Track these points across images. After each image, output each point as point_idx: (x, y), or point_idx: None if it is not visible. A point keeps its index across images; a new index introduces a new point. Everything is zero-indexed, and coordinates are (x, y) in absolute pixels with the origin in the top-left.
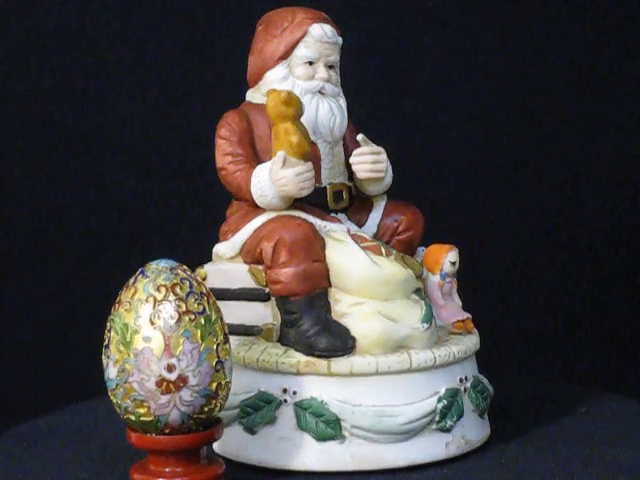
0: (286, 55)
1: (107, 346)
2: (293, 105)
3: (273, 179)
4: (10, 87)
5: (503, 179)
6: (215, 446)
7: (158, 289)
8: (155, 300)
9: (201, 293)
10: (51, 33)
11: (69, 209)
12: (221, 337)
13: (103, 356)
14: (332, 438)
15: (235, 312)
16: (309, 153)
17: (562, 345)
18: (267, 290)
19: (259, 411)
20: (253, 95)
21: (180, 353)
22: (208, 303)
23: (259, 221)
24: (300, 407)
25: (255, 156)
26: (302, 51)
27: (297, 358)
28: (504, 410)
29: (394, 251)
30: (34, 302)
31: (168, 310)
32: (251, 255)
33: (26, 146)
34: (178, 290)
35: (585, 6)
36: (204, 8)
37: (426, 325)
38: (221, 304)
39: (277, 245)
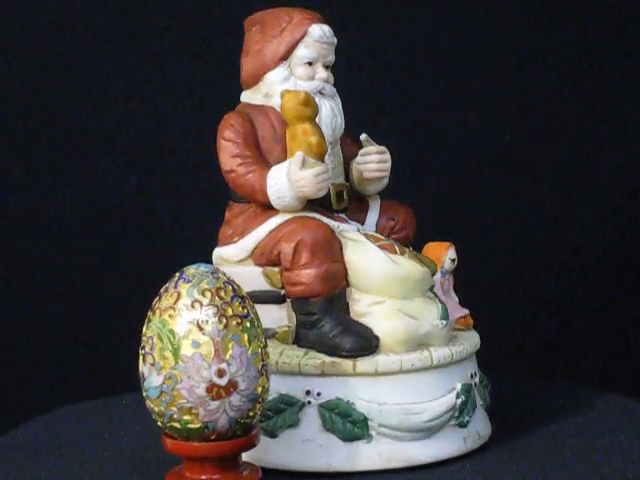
0: (286, 56)
1: (148, 354)
2: (310, 106)
3: (292, 180)
4: (10, 87)
5: (503, 177)
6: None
7: (203, 293)
8: (201, 305)
9: (242, 296)
10: (51, 33)
11: (69, 209)
12: (263, 340)
13: (142, 364)
14: (359, 438)
15: None
16: (326, 153)
17: (562, 345)
18: (282, 292)
19: (281, 414)
20: (251, 96)
21: (230, 358)
22: (250, 306)
23: (273, 223)
24: (325, 408)
25: (261, 157)
26: (302, 51)
27: (321, 359)
28: (504, 409)
29: (407, 249)
30: (34, 302)
31: (216, 314)
32: (266, 257)
33: (26, 146)
34: (222, 294)
35: (586, 4)
36: (204, 8)
37: (444, 322)
38: None
39: (298, 246)
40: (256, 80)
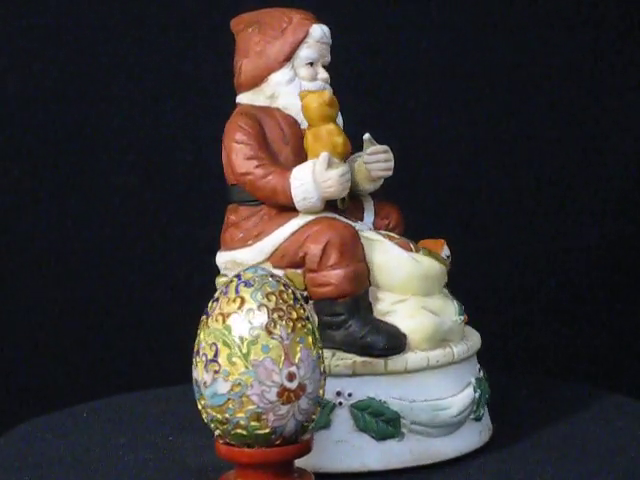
0: (290, 56)
1: (211, 361)
2: (335, 106)
3: (318, 180)
4: (10, 87)
5: (503, 177)
6: None
7: (267, 297)
8: (268, 309)
9: (300, 299)
10: (51, 32)
11: (69, 209)
12: (320, 342)
13: (204, 372)
14: (392, 436)
15: None
16: (349, 153)
17: (562, 344)
18: (305, 293)
19: None
20: (254, 98)
21: (299, 361)
22: (306, 308)
23: (295, 224)
24: (357, 408)
25: (275, 158)
26: (305, 52)
27: (352, 359)
28: (504, 409)
29: (420, 247)
30: (33, 302)
31: (283, 318)
32: (288, 259)
33: (26, 146)
34: (285, 297)
35: (586, 5)
36: (204, 8)
37: (462, 318)
38: None
39: (327, 247)
40: (258, 81)
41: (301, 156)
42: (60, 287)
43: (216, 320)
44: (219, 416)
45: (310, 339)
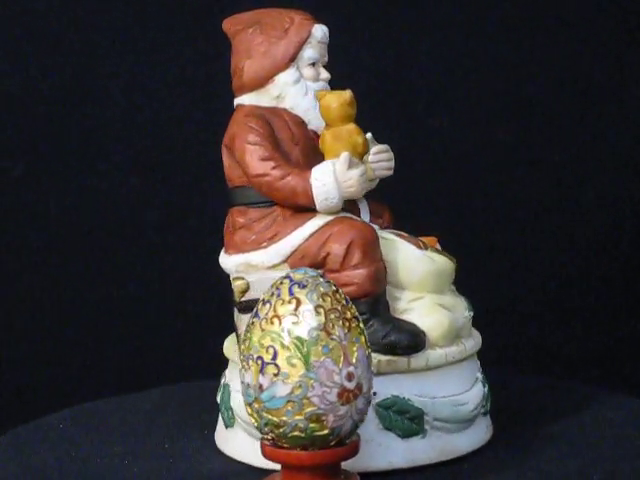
0: (294, 57)
1: (269, 364)
2: (354, 106)
3: (340, 181)
4: (9, 86)
5: (503, 177)
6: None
7: (323, 298)
8: (324, 309)
9: (348, 299)
10: (51, 32)
11: (69, 209)
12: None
13: (260, 375)
14: (416, 434)
15: None
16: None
17: (562, 344)
18: None
19: None
20: (259, 99)
21: (356, 360)
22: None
23: (315, 224)
24: (383, 407)
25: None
26: (308, 52)
27: (376, 358)
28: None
29: (428, 245)
30: (32, 303)
31: (339, 318)
32: (309, 259)
33: (26, 146)
34: (338, 297)
35: (586, 8)
36: (205, 8)
37: (471, 313)
38: None
39: (350, 246)
40: (264, 82)
41: (309, 156)
42: (59, 287)
43: (271, 322)
44: (275, 419)
45: (363, 339)
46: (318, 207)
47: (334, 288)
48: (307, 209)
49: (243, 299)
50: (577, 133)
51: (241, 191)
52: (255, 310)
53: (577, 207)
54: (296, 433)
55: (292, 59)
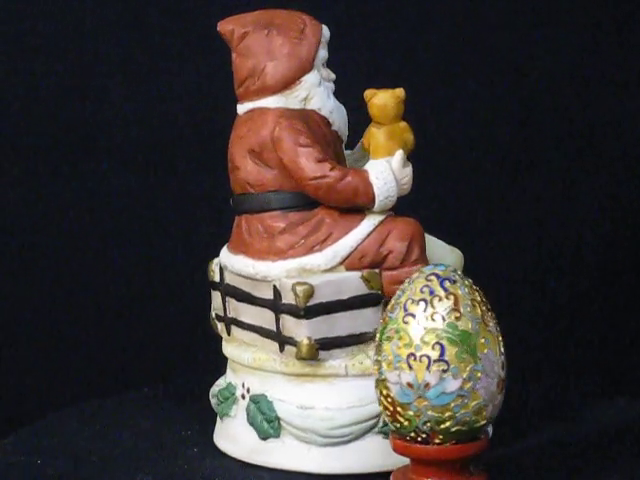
0: (315, 57)
1: (437, 361)
2: (404, 103)
3: (398, 178)
4: (9, 86)
5: (502, 176)
6: (355, 458)
7: (471, 292)
8: (477, 302)
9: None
10: (52, 32)
11: (69, 209)
12: None
13: (426, 373)
14: None
15: (345, 323)
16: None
17: (563, 343)
18: (380, 293)
19: None
20: (287, 101)
21: (503, 350)
22: None
23: (371, 224)
24: None
25: None
26: (322, 53)
27: None
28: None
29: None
30: (32, 303)
31: (488, 310)
32: (370, 258)
33: (26, 146)
34: (475, 288)
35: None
36: (204, 9)
37: None
38: (330, 318)
39: (412, 243)
40: (289, 84)
41: (340, 157)
42: (59, 287)
43: (432, 319)
44: (441, 415)
45: (499, 328)
46: (376, 206)
47: (470, 281)
48: (354, 209)
49: (309, 304)
50: (577, 134)
51: (275, 195)
52: (398, 310)
53: (578, 207)
54: (459, 427)
55: (314, 60)
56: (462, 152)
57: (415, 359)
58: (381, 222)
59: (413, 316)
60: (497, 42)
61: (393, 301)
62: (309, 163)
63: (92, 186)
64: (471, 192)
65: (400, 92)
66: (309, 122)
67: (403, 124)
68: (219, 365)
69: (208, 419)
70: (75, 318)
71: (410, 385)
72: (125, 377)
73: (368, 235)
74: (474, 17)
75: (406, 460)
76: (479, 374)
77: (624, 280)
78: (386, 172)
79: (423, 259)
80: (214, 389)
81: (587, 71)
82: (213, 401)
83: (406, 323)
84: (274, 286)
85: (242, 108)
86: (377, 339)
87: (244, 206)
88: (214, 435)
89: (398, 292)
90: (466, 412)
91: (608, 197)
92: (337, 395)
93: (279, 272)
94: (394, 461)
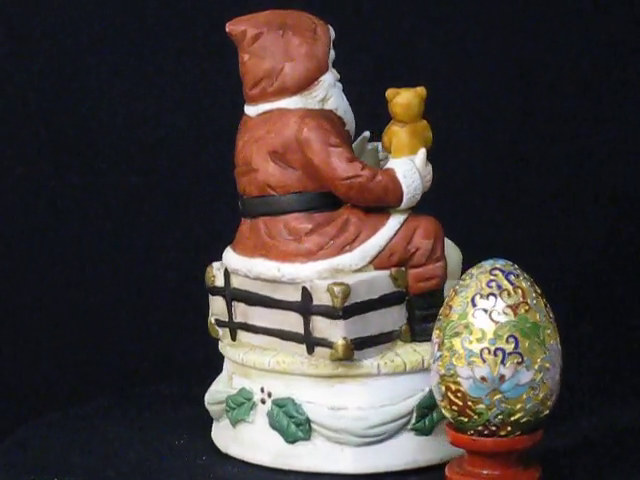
0: (328, 57)
1: (512, 353)
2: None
3: (422, 176)
4: (9, 86)
5: (502, 176)
6: (388, 456)
7: (533, 285)
8: (539, 295)
9: None
10: (52, 32)
11: (69, 209)
12: None
13: (501, 367)
14: None
15: (376, 322)
16: None
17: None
18: (405, 290)
19: (434, 410)
20: (307, 102)
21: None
22: None
23: (397, 222)
24: None
25: None
26: (332, 53)
27: None
28: None
29: None
30: (32, 303)
31: (546, 302)
32: (398, 256)
33: (26, 146)
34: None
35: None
36: (204, 10)
37: None
38: (364, 317)
39: (436, 240)
40: (308, 84)
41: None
42: (59, 287)
43: (505, 313)
44: (513, 407)
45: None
46: (404, 204)
47: (527, 274)
48: (378, 208)
49: (346, 304)
50: (578, 134)
51: (299, 197)
52: (465, 305)
53: (579, 207)
54: (527, 418)
55: (328, 59)
56: (462, 152)
57: (489, 353)
58: (406, 219)
59: (484, 310)
60: (497, 42)
61: (455, 297)
62: (341, 163)
63: (92, 186)
64: (471, 192)
65: (422, 91)
66: (333, 122)
67: (424, 122)
68: (212, 371)
69: (198, 425)
70: (73, 319)
71: (484, 379)
72: (125, 377)
73: (396, 233)
74: (474, 17)
75: (437, 456)
76: (548, 365)
77: (624, 280)
78: (412, 170)
79: (444, 256)
80: (215, 396)
81: (587, 71)
82: (215, 408)
83: (476, 318)
84: (304, 288)
85: (255, 110)
86: (438, 335)
87: (263, 208)
88: (218, 442)
89: (459, 288)
90: (536, 403)
91: (608, 197)
92: (369, 394)
93: (309, 273)
94: (427, 457)
